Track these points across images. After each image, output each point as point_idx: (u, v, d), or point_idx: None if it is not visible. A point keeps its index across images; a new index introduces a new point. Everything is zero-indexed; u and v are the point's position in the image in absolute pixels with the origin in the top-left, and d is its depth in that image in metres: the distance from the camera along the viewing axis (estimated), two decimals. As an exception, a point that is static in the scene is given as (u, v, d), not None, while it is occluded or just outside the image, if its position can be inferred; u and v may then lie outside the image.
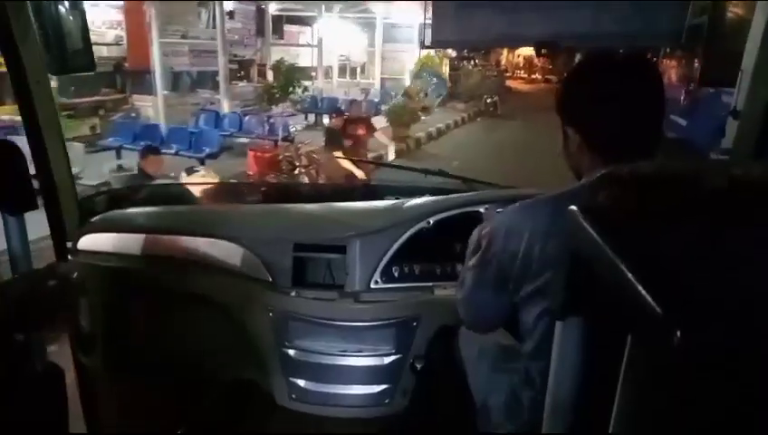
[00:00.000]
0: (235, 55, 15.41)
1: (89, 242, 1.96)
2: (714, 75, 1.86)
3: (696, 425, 0.55)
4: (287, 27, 19.23)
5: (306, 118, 14.81)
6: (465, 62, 21.59)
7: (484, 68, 19.02)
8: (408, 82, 17.19)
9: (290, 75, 14.71)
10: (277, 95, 14.41)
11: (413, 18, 17.58)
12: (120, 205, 2.22)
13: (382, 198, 2.27)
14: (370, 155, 8.20)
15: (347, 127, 6.99)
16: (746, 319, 0.54)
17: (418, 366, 1.83)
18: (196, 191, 2.68)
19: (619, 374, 0.60)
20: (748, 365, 0.53)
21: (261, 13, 16.79)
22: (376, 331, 1.84)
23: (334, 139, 6.78)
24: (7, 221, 1.27)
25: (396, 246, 1.88)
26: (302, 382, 1.88)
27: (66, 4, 1.52)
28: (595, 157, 1.10)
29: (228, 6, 14.58)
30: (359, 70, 21.34)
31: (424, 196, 2.20)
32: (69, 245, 1.93)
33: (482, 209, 1.90)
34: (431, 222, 1.89)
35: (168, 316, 1.98)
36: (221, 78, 12.89)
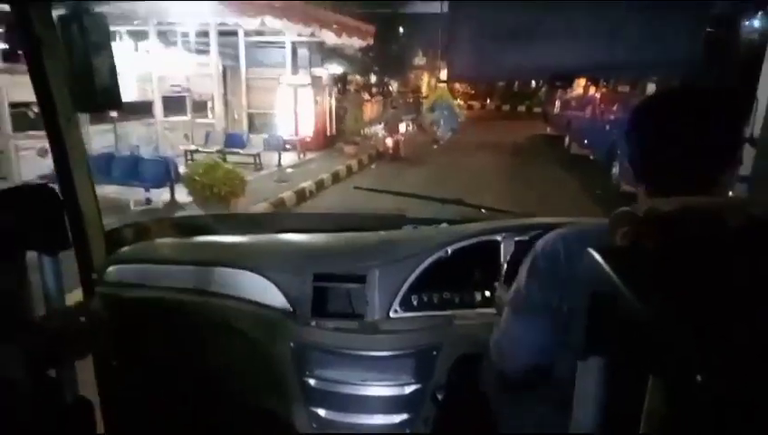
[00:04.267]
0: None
1: (115, 274, 2.01)
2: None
3: None
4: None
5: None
6: (362, 91, 16.69)
7: (402, 95, 14.82)
8: (277, 117, 13.45)
9: None
10: None
11: (282, 36, 13.30)
12: (144, 237, 2.28)
13: (400, 228, 2.28)
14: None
15: None
16: None
17: (439, 396, 1.82)
18: (219, 222, 2.72)
19: (641, 413, 0.61)
20: None
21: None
22: (396, 360, 1.85)
23: None
24: (43, 261, 1.31)
25: (415, 275, 1.89)
26: (323, 412, 1.89)
27: (95, 41, 1.58)
28: (642, 188, 1.13)
29: None
30: (210, 104, 14.01)
31: (441, 225, 2.22)
32: (95, 277, 1.98)
33: (499, 238, 1.92)
34: (449, 251, 1.90)
35: (192, 346, 2.01)
36: None
